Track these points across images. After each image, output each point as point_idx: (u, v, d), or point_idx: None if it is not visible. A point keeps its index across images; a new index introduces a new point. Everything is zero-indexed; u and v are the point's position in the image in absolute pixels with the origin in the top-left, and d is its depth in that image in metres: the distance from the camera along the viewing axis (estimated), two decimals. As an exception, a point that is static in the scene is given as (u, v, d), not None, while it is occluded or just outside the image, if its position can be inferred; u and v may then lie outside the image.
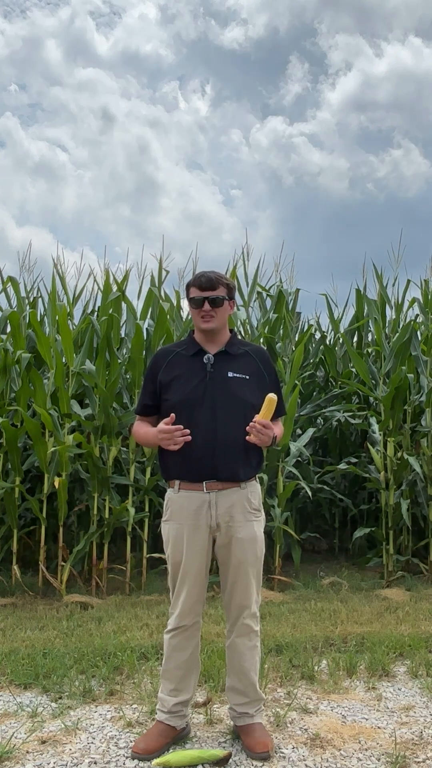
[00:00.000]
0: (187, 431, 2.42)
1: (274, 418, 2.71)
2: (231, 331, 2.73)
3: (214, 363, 2.58)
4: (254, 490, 2.61)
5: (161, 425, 2.45)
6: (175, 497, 2.56)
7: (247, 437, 2.46)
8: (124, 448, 5.80)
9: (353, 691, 3.22)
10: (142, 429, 2.67)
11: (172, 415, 2.45)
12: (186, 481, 2.54)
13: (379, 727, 2.81)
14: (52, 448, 5.28)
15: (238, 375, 2.58)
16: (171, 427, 2.42)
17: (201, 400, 2.52)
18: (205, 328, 2.59)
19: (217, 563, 2.63)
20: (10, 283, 6.29)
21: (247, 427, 2.45)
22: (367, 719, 2.89)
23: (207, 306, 2.56)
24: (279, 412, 2.73)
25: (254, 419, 2.45)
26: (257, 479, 2.67)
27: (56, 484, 5.18)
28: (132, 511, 5.27)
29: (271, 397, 2.45)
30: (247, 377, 2.60)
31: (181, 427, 2.42)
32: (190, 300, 2.60)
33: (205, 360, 2.58)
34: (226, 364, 2.59)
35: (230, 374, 2.57)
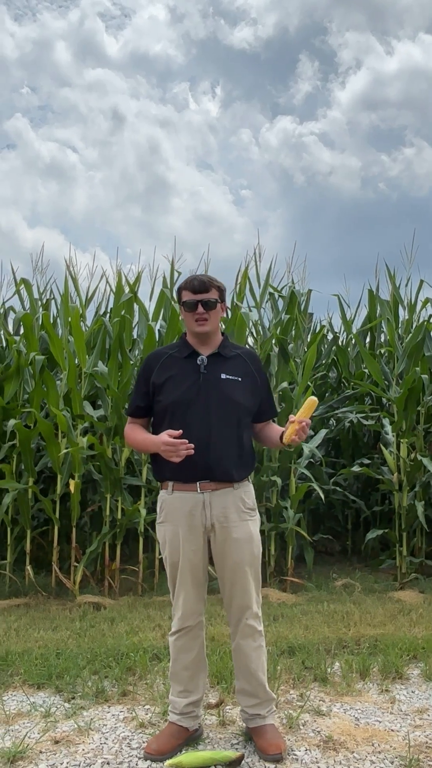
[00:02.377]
0: (191, 445, 2.40)
1: (268, 419, 2.76)
2: (222, 333, 2.74)
3: (207, 365, 2.59)
4: (247, 490, 2.62)
5: (165, 437, 2.41)
6: (169, 498, 2.57)
7: (285, 439, 2.48)
8: (137, 449, 5.80)
9: (366, 694, 3.21)
10: (138, 434, 2.64)
11: (180, 431, 2.42)
12: (179, 482, 2.54)
13: (392, 730, 2.79)
14: (65, 450, 5.30)
15: (231, 377, 2.59)
16: (176, 441, 2.39)
17: (194, 402, 2.53)
18: (199, 331, 2.59)
19: (214, 565, 2.62)
20: (23, 285, 6.32)
21: (289, 421, 2.46)
22: (380, 722, 2.88)
23: (201, 309, 2.57)
24: (274, 412, 2.77)
25: (293, 419, 2.46)
26: (250, 480, 2.68)
27: (72, 487, 5.20)
28: (144, 512, 5.29)
29: (313, 399, 2.46)
30: (240, 379, 2.61)
31: (186, 441, 2.40)
32: (183, 303, 2.61)
33: (198, 362, 2.59)
34: (219, 366, 2.60)
35: (223, 376, 2.58)
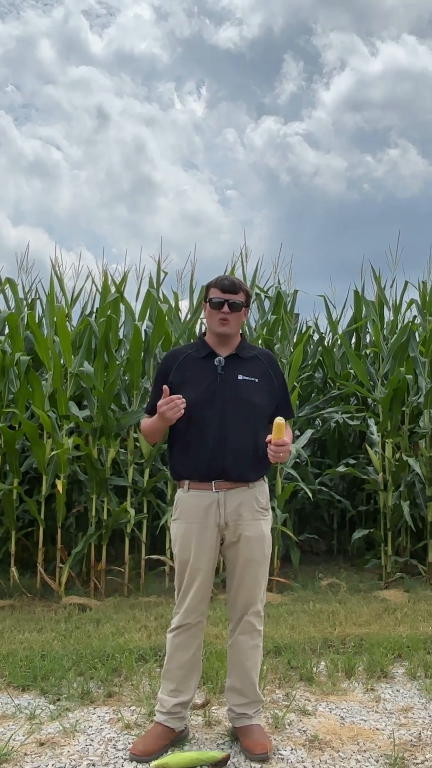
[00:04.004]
0: (183, 399, 2.47)
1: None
2: (241, 335, 2.77)
3: (224, 366, 2.62)
4: (262, 489, 2.65)
5: (160, 401, 2.48)
6: (185, 497, 2.60)
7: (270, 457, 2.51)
8: (123, 450, 5.79)
9: (352, 693, 3.22)
10: (147, 422, 2.70)
11: (165, 387, 2.49)
12: (195, 481, 2.57)
13: (377, 729, 2.81)
14: (52, 453, 5.27)
15: (247, 378, 2.62)
16: (169, 397, 2.46)
17: (211, 402, 2.56)
18: (221, 331, 2.62)
19: (224, 562, 2.65)
20: (8, 285, 6.29)
21: (267, 441, 2.51)
22: (365, 721, 2.89)
23: (226, 309, 2.60)
24: (289, 414, 2.79)
25: (267, 440, 2.49)
26: (265, 479, 2.70)
27: (60, 488, 5.17)
28: (132, 512, 5.27)
29: (278, 421, 2.48)
30: (257, 380, 2.64)
31: (180, 396, 2.46)
32: (210, 301, 2.63)
33: (216, 362, 2.62)
34: (237, 367, 2.63)
35: (240, 377, 2.62)
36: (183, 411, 2.47)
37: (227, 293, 2.61)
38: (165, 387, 2.50)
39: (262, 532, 2.59)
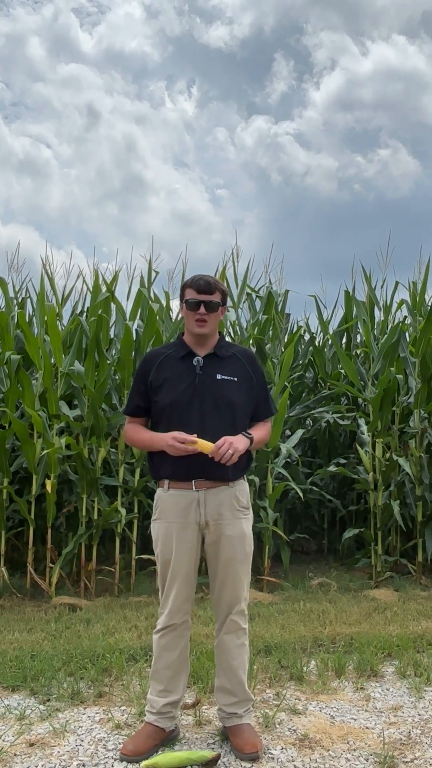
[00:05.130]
0: (198, 449, 2.45)
1: (263, 418, 2.77)
2: (219, 333, 2.76)
3: (203, 365, 2.61)
4: (242, 488, 2.65)
5: (175, 434, 2.46)
6: (165, 496, 2.59)
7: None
8: (113, 449, 5.78)
9: (342, 692, 3.23)
10: (143, 433, 2.67)
11: (195, 438, 2.46)
12: (175, 480, 2.56)
13: (367, 728, 2.82)
14: (43, 452, 5.25)
15: (226, 377, 2.62)
16: (188, 437, 2.44)
17: (190, 402, 2.55)
18: (198, 332, 2.62)
19: (206, 562, 2.64)
20: (-2, 284, 6.25)
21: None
22: (355, 720, 2.90)
23: (203, 310, 2.60)
24: (268, 411, 2.79)
25: (210, 455, 2.46)
26: (245, 478, 2.70)
27: (49, 487, 5.15)
28: (123, 512, 5.26)
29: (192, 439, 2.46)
30: (236, 379, 2.64)
31: (196, 442, 2.44)
32: (186, 302, 2.63)
33: (194, 362, 2.61)
34: (215, 367, 2.63)
35: (219, 376, 2.61)
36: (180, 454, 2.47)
37: (203, 294, 2.60)
38: (194, 440, 2.45)
39: (242, 531, 2.59)
